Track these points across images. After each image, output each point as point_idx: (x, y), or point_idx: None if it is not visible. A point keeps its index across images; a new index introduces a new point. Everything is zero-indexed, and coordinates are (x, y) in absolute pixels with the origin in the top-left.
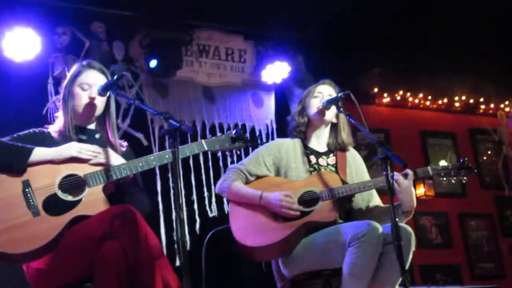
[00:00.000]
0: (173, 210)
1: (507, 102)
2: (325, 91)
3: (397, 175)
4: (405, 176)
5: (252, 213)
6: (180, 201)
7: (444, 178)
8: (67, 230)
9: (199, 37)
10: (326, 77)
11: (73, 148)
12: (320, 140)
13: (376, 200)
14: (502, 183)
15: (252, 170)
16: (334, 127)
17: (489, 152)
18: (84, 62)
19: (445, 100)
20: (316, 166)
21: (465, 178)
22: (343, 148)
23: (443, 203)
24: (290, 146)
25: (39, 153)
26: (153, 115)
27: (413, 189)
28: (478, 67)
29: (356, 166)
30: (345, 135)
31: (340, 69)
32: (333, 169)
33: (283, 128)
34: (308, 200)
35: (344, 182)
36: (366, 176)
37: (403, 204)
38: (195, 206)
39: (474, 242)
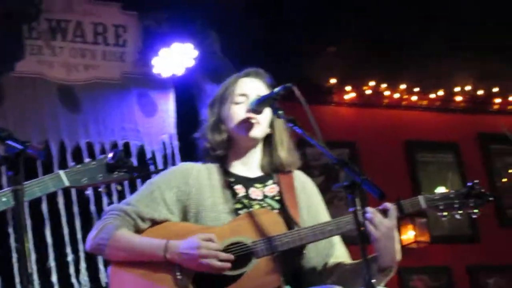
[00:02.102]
0: (18, 285)
1: None
2: (251, 90)
3: (372, 212)
4: (384, 212)
5: (147, 281)
6: (29, 269)
7: (445, 213)
8: None
9: (51, 9)
10: (253, 64)
11: None
12: (249, 160)
13: (339, 252)
14: None
15: (145, 211)
16: (268, 140)
17: (510, 171)
18: None
19: (441, 93)
20: (245, 202)
21: (475, 211)
22: (285, 171)
23: (444, 252)
24: (203, 173)
25: None
26: None
27: (396, 232)
28: (488, 43)
29: (307, 198)
30: (284, 151)
31: (277, 51)
32: (275, 204)
33: (189, 147)
34: (235, 257)
35: (291, 223)
36: (323, 214)
37: (380, 257)
38: (54, 278)
39: None
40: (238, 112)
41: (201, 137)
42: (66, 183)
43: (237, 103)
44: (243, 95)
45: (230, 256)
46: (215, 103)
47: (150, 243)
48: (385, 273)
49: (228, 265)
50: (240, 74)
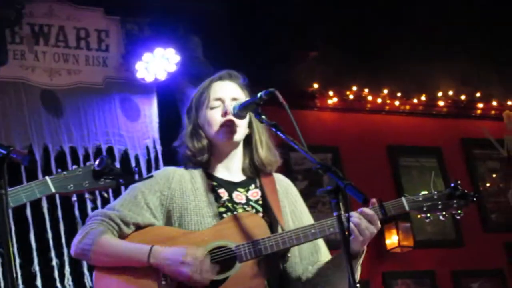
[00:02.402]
0: None
1: None
2: (226, 93)
3: (358, 218)
4: (368, 217)
5: (131, 286)
6: (14, 274)
7: (428, 214)
8: None
9: (33, 13)
10: (235, 69)
11: None
12: (231, 164)
13: (324, 255)
14: None
15: (129, 216)
16: (248, 141)
17: (493, 176)
18: None
19: (423, 98)
20: (229, 205)
21: (459, 212)
22: (266, 172)
23: (428, 257)
24: (186, 177)
25: None
26: None
27: None
28: (472, 47)
29: (291, 202)
30: (264, 150)
31: (259, 56)
32: (259, 208)
33: (172, 151)
34: (220, 261)
35: (275, 227)
36: (306, 217)
37: (353, 248)
38: (38, 282)
39: None
40: (214, 117)
41: (181, 144)
42: (53, 189)
43: (212, 108)
44: (218, 99)
45: (209, 276)
46: (191, 109)
47: (134, 247)
48: (358, 256)
49: (206, 282)
50: (213, 78)
